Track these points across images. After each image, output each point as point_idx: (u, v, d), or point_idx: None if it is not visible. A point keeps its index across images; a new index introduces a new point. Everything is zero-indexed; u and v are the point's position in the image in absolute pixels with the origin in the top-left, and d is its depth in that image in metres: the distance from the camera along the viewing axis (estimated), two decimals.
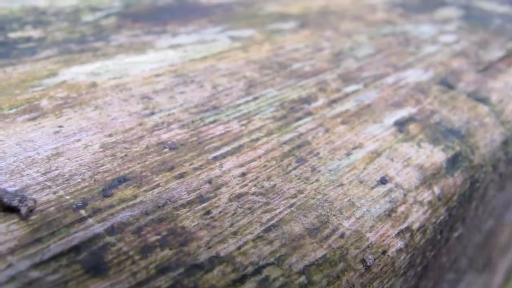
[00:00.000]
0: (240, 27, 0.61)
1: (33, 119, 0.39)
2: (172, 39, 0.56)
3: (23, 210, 0.29)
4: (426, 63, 0.54)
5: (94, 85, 0.45)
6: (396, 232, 0.32)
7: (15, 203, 0.29)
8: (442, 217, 0.37)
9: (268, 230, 0.28)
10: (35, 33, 0.59)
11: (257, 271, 0.26)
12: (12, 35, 0.59)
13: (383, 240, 0.31)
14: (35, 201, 0.30)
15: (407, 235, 0.32)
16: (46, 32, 0.60)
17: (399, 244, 0.32)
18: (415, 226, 0.33)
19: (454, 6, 0.81)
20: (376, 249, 0.30)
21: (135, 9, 0.69)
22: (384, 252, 0.30)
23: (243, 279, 0.25)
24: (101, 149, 0.35)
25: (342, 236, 0.30)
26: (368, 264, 0.29)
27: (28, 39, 0.57)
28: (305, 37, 0.58)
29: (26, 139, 0.36)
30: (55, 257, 0.26)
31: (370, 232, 0.30)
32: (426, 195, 0.35)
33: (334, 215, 0.30)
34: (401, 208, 0.33)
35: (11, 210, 0.29)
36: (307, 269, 0.27)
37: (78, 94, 0.43)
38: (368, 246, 0.30)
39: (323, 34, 0.59)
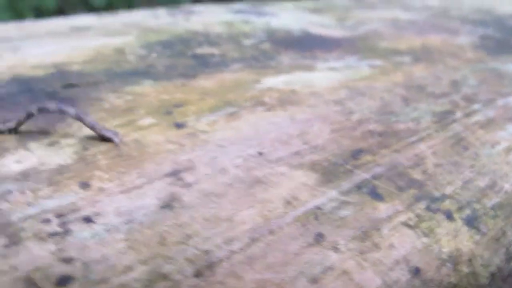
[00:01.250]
0: (370, 58, 0.80)
1: (268, 110, 0.58)
2: (326, 63, 0.75)
3: (116, 140, 0.46)
4: None
5: (294, 91, 0.63)
6: None
7: (109, 134, 0.46)
8: None
9: (465, 183, 0.47)
10: (215, 51, 0.78)
11: (468, 204, 0.44)
12: (197, 51, 0.78)
13: None
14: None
15: None
16: (222, 50, 0.79)
17: None
18: None
19: None
20: None
21: (277, 38, 0.88)
22: None
23: (462, 208, 0.44)
24: (333, 133, 0.53)
25: (506, 192, 0.48)
26: None
27: (213, 55, 0.77)
28: (424, 69, 0.77)
29: (273, 122, 0.55)
30: (349, 190, 0.44)
31: None
32: None
33: (498, 179, 0.49)
34: None
35: (105, 140, 0.46)
36: (493, 207, 0.45)
37: (287, 96, 0.62)
38: None
39: (436, 67, 0.78)
